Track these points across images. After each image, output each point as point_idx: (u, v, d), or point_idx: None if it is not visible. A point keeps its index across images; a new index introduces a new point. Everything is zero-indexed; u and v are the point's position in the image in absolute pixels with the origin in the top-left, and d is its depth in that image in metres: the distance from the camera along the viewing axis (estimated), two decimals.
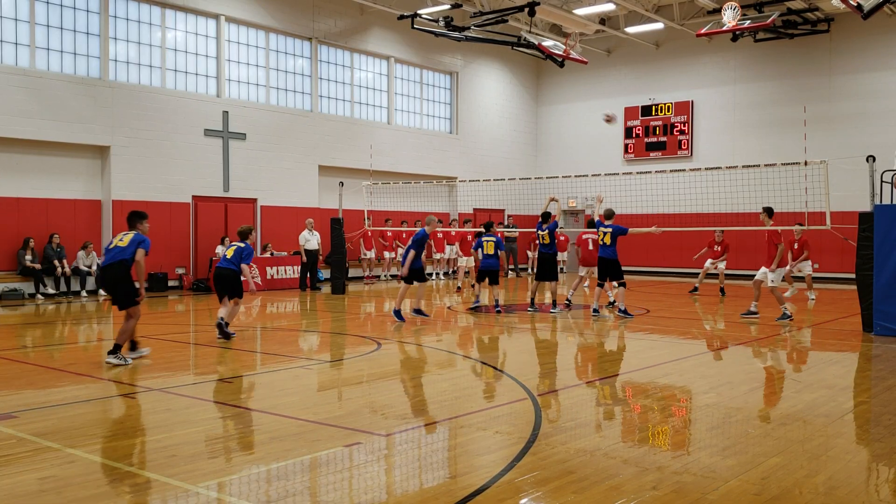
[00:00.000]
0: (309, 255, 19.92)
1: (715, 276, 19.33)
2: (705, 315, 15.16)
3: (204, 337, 11.46)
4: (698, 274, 19.31)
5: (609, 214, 14.11)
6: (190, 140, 19.81)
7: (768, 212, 13.25)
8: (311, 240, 19.96)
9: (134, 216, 9.33)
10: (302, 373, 8.71)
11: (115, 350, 8.88)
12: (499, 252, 14.52)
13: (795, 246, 17.17)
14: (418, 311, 13.45)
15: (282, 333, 12.32)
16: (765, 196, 17.53)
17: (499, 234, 16.03)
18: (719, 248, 18.52)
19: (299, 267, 20.34)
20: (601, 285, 14.33)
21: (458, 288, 20.47)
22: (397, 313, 13.06)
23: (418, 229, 13.50)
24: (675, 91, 27.12)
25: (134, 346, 9.27)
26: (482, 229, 15.21)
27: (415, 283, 13.25)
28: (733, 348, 10.62)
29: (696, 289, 19.05)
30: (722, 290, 18.58)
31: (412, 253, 13.01)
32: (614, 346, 11.02)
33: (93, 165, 18.55)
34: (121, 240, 9.08)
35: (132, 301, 9.00)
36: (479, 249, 14.63)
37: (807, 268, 17.26)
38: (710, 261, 18.60)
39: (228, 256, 11.00)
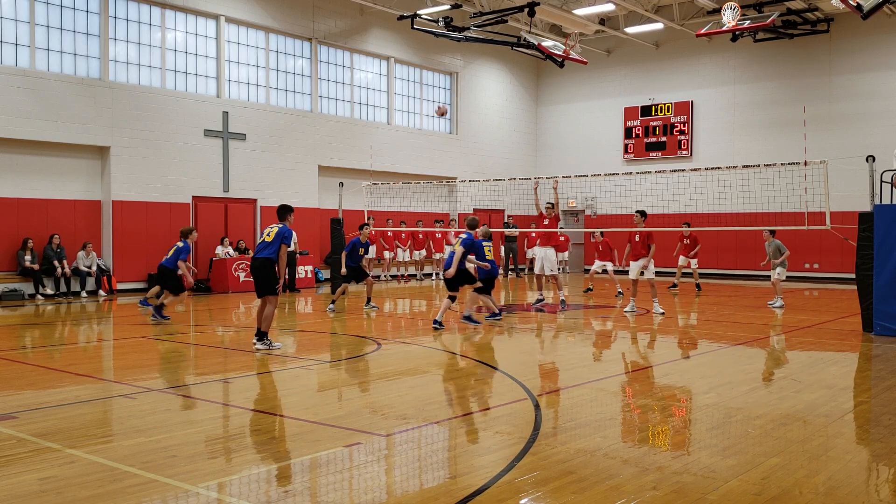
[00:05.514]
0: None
1: (690, 274, 20.26)
2: (705, 315, 15.16)
3: (204, 337, 11.46)
4: (691, 273, 19.90)
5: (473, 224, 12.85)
6: (190, 140, 19.81)
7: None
8: None
9: (284, 209, 10.05)
10: (302, 373, 8.70)
11: (262, 336, 9.76)
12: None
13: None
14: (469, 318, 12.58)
15: (282, 334, 12.30)
16: (764, 196, 17.55)
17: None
18: (689, 243, 19.09)
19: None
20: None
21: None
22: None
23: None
24: (674, 91, 27.12)
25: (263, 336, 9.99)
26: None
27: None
28: (733, 348, 10.61)
29: (675, 285, 19.79)
30: (697, 286, 19.38)
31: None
32: (613, 347, 11.02)
33: (93, 166, 18.55)
34: (268, 234, 9.85)
35: (271, 290, 9.76)
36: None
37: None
38: (682, 257, 19.27)
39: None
